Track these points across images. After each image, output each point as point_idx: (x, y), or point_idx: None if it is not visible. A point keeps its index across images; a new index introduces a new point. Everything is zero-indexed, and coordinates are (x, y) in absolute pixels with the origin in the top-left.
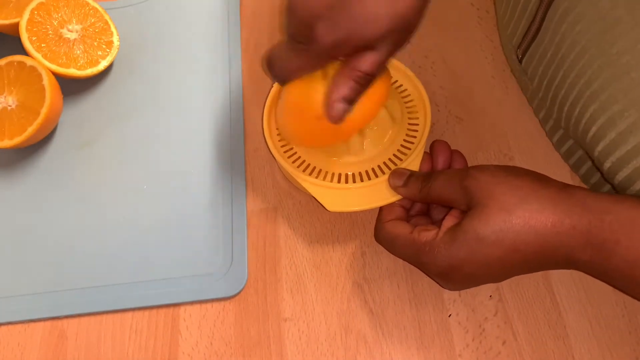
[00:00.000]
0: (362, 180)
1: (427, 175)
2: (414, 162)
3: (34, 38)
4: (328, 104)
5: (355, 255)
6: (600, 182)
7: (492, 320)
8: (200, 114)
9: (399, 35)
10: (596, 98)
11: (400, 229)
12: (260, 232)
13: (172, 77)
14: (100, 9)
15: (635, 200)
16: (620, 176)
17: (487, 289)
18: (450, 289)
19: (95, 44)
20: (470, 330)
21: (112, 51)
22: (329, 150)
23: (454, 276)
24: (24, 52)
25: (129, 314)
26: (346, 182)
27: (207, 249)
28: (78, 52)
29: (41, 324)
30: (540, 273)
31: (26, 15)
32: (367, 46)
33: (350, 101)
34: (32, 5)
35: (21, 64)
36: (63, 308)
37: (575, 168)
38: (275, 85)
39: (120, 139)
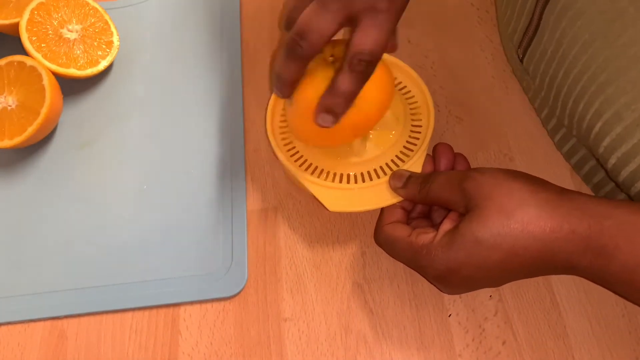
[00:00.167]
0: (363, 181)
1: (426, 177)
2: (416, 164)
3: (34, 38)
4: (315, 112)
5: (355, 255)
6: (603, 181)
7: (492, 320)
8: (200, 114)
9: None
10: (602, 92)
11: (399, 232)
12: (260, 232)
13: (172, 77)
14: (100, 9)
15: (634, 205)
16: (625, 172)
17: (487, 289)
18: (448, 293)
19: (95, 44)
20: (470, 330)
21: (112, 51)
22: (331, 150)
23: (451, 279)
24: (24, 52)
25: (129, 314)
26: (347, 182)
27: (207, 249)
28: (78, 52)
29: (41, 324)
30: None
31: (26, 15)
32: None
33: (351, 96)
34: (32, 5)
35: (21, 64)
36: (63, 308)
37: (577, 168)
38: None
39: (120, 139)
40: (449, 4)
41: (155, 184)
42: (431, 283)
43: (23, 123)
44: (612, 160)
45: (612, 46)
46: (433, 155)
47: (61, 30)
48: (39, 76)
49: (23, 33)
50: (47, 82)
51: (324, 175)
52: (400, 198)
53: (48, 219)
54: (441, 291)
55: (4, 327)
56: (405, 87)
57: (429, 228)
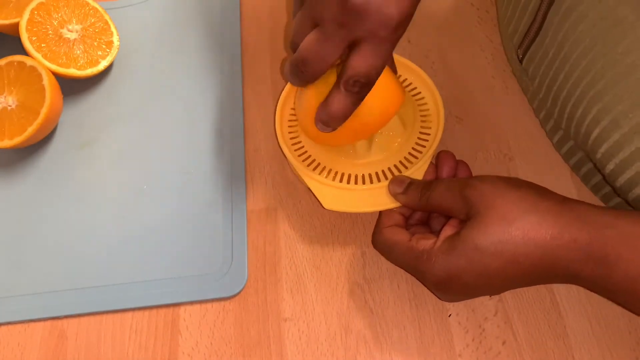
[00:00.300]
0: (363, 182)
1: (427, 184)
2: (418, 171)
3: (34, 38)
4: (314, 119)
5: (355, 255)
6: (602, 183)
7: (492, 320)
8: (200, 113)
9: (388, 30)
10: (600, 99)
11: (398, 236)
12: (260, 232)
13: (172, 77)
14: (100, 9)
15: (636, 215)
16: (622, 179)
17: None
18: (447, 300)
19: (95, 44)
20: (470, 330)
21: (112, 51)
22: (335, 149)
23: (451, 286)
24: (24, 52)
25: (129, 314)
26: (347, 182)
27: (207, 249)
28: (78, 52)
29: (41, 324)
30: None
31: (26, 15)
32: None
33: (344, 115)
34: (32, 5)
35: (21, 64)
36: (63, 308)
37: (575, 169)
38: None
39: (121, 138)
40: (449, 4)
41: (155, 184)
42: (430, 290)
43: (23, 123)
44: (610, 166)
45: (610, 53)
46: (435, 163)
47: (61, 30)
48: (39, 76)
49: (23, 33)
50: (47, 82)
51: (325, 172)
52: (398, 204)
53: (48, 219)
54: (439, 298)
55: (4, 327)
56: (419, 92)
57: (429, 234)
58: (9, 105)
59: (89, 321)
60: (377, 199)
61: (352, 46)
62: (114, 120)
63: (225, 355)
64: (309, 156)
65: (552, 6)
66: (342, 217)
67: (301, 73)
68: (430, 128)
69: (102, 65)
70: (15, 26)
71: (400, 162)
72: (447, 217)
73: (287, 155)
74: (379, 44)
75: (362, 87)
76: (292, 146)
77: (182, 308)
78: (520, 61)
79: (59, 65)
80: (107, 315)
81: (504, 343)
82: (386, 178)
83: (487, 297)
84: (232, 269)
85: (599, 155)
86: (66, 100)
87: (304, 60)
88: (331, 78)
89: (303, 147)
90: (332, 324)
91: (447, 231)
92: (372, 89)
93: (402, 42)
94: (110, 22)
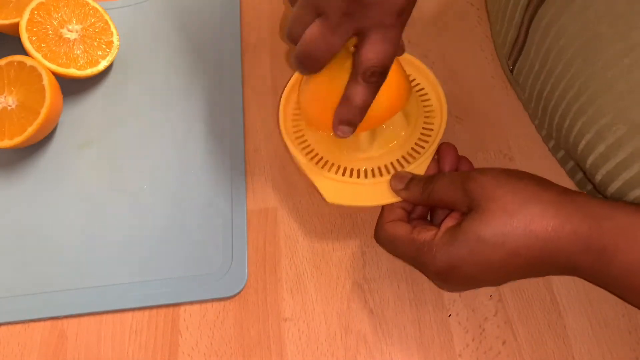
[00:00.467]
0: (365, 177)
1: (428, 178)
2: (420, 167)
3: (34, 38)
4: (334, 124)
5: (355, 255)
6: (594, 191)
7: (492, 320)
8: (200, 114)
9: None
10: (584, 111)
11: (400, 230)
12: (260, 232)
13: (172, 77)
14: (100, 9)
15: (635, 207)
16: (612, 188)
17: (486, 289)
18: (448, 290)
19: (95, 44)
20: (470, 330)
21: (112, 51)
22: (338, 143)
23: (452, 276)
24: (24, 52)
25: (129, 314)
26: (350, 176)
27: (207, 249)
28: (78, 52)
29: (41, 324)
30: None
31: (26, 15)
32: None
33: (366, 106)
34: (32, 5)
35: (21, 64)
36: (63, 308)
37: (570, 175)
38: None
39: (120, 138)
40: (449, 4)
41: (155, 184)
42: (431, 280)
43: (23, 123)
44: (599, 177)
45: (591, 67)
46: (437, 153)
47: (61, 30)
48: (39, 76)
49: (23, 33)
50: (47, 82)
51: (327, 166)
52: (399, 198)
53: (48, 218)
54: (441, 288)
55: (4, 327)
56: (422, 89)
57: (430, 226)
58: (9, 105)
59: (89, 321)
60: (379, 193)
61: (359, 36)
62: (114, 120)
63: (225, 355)
64: (312, 150)
65: (533, 20)
66: (342, 217)
67: (308, 65)
68: (433, 124)
69: (102, 65)
70: (15, 26)
71: (403, 157)
72: (449, 211)
73: (290, 148)
74: (386, 31)
75: (379, 77)
76: (295, 140)
77: (182, 308)
78: (511, 71)
79: (59, 65)
80: (107, 315)
81: (504, 343)
82: (389, 172)
83: (488, 297)
84: (232, 269)
85: (587, 166)
86: (66, 100)
87: (309, 53)
88: (345, 62)
89: (306, 140)
90: (332, 324)
91: (449, 222)
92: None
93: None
94: (110, 22)
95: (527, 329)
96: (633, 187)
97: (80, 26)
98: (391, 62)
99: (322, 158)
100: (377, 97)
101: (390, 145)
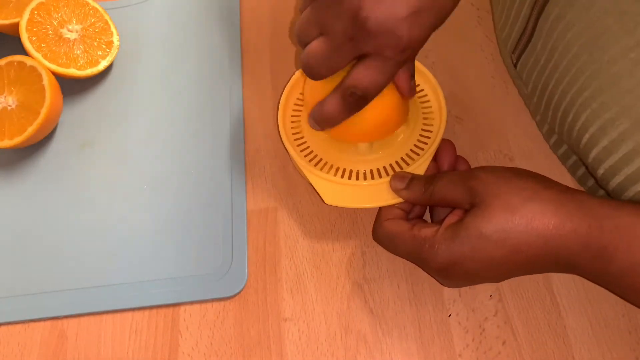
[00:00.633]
0: (365, 178)
1: (430, 178)
2: (420, 168)
3: (34, 38)
4: (309, 113)
5: (355, 255)
6: (596, 186)
7: (492, 320)
8: (200, 114)
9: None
10: (588, 106)
11: (399, 226)
12: (260, 232)
13: (172, 77)
14: (100, 9)
15: (635, 207)
16: (613, 183)
17: (487, 289)
18: (448, 286)
19: (95, 44)
20: (470, 330)
21: (112, 51)
22: (337, 145)
23: (454, 272)
24: (24, 52)
25: (129, 314)
26: (349, 178)
27: (207, 249)
28: (78, 52)
29: (41, 324)
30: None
31: (26, 15)
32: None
33: (336, 120)
34: (32, 5)
35: (21, 64)
36: (63, 308)
37: (571, 171)
38: (297, 72)
39: (120, 138)
40: None
41: (155, 184)
42: (432, 276)
43: (23, 123)
44: (601, 171)
45: (597, 62)
46: (436, 153)
47: (61, 30)
48: (39, 76)
49: (23, 33)
50: (47, 82)
51: (326, 168)
52: (399, 199)
53: (48, 218)
54: (441, 284)
55: (4, 327)
56: (422, 90)
57: (430, 223)
58: (9, 105)
59: (89, 321)
60: (378, 194)
61: (360, 57)
62: (113, 120)
63: (225, 355)
64: (311, 152)
65: (542, 14)
66: (342, 217)
67: (311, 75)
68: (432, 125)
69: (102, 65)
70: (15, 26)
71: (402, 158)
72: (449, 211)
73: (289, 150)
74: (385, 62)
75: (358, 99)
76: (295, 142)
77: (182, 308)
78: (515, 66)
79: (59, 65)
80: (107, 315)
81: (504, 343)
82: (387, 174)
83: (488, 297)
84: (232, 269)
85: (590, 160)
86: (66, 100)
87: (311, 67)
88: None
89: (305, 142)
90: (332, 324)
91: (450, 219)
92: (374, 101)
93: None
94: (110, 22)
95: (527, 329)
96: (634, 181)
97: (80, 26)
98: (376, 91)
99: (320, 160)
100: (364, 117)
101: (390, 148)
